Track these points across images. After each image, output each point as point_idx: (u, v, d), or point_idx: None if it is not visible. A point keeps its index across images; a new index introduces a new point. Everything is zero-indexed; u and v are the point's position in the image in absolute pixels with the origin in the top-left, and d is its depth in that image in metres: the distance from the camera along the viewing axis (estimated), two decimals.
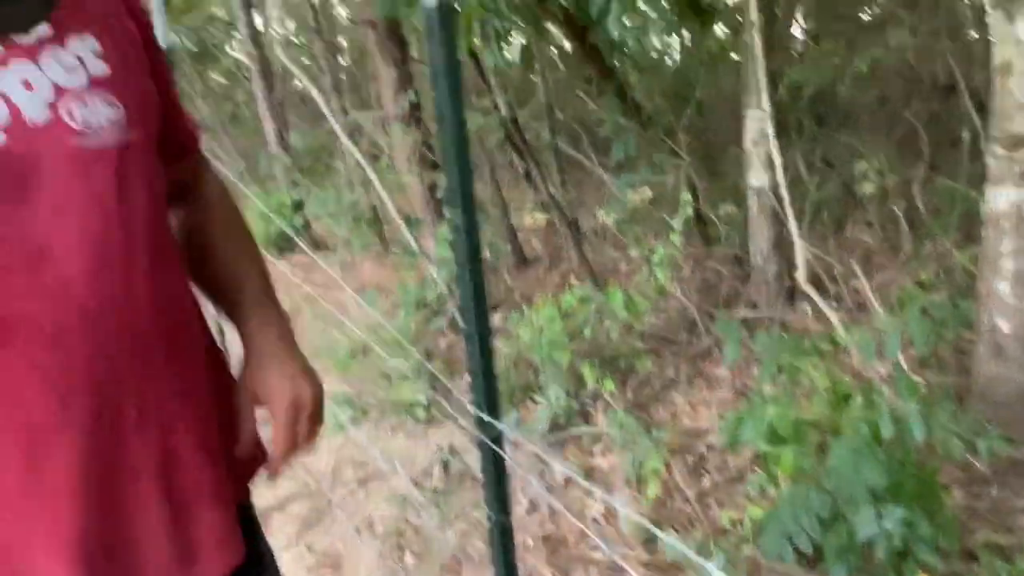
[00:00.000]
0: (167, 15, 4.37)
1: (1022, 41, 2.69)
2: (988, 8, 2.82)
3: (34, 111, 0.76)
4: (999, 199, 2.90)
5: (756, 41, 3.45)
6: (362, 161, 4.50)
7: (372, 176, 4.44)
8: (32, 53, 0.78)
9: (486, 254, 5.06)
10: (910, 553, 2.35)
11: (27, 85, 0.76)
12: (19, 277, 0.77)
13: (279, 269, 6.40)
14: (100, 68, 0.82)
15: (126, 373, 0.84)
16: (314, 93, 4.63)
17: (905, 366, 3.53)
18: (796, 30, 8.41)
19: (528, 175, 5.68)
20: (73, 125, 0.79)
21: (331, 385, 4.24)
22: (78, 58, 0.81)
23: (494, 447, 1.42)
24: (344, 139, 4.64)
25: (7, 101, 0.75)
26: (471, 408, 1.46)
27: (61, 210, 0.78)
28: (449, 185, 1.37)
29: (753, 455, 3.12)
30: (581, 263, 4.96)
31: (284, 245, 6.72)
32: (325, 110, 4.60)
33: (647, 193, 6.53)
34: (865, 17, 7.28)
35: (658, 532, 2.01)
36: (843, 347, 3.54)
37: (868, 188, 4.09)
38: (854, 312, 4.07)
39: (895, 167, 4.90)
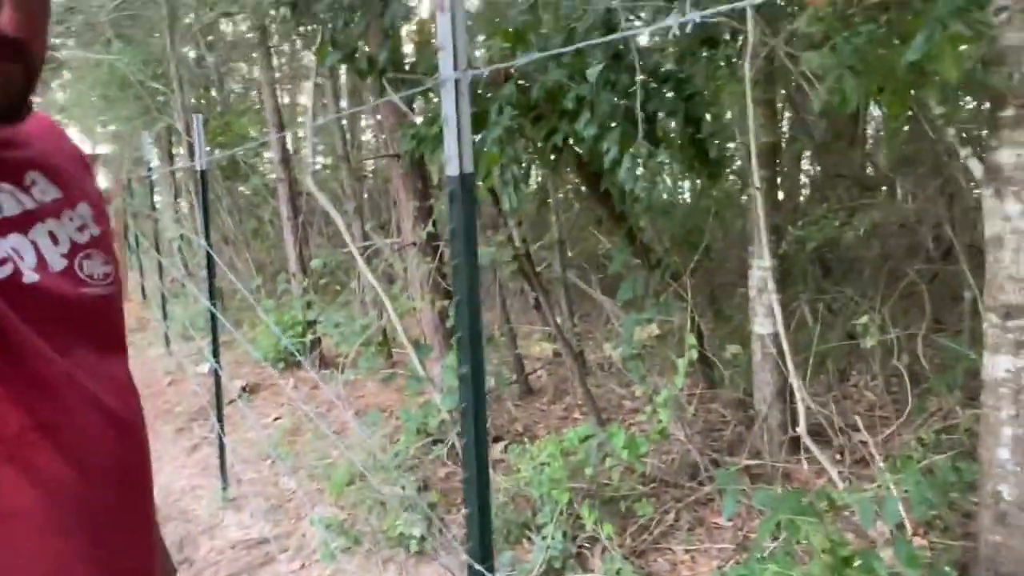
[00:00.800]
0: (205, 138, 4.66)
1: (1011, 218, 2.83)
2: (981, 184, 2.99)
3: (55, 260, 0.87)
4: (997, 367, 2.95)
5: (759, 199, 3.63)
6: (376, 284, 4.64)
7: (385, 299, 4.56)
8: (56, 212, 0.89)
9: (491, 383, 5.10)
10: None
11: (53, 238, 0.87)
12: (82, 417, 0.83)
13: (284, 386, 6.45)
14: (96, 229, 0.94)
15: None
16: (335, 217, 4.84)
17: (909, 528, 3.48)
18: (804, 185, 8.80)
19: (538, 305, 5.81)
20: (81, 275, 0.89)
21: (326, 510, 4.19)
22: (82, 219, 0.93)
23: None
24: (360, 262, 4.80)
25: (36, 249, 0.85)
26: (465, 556, 1.47)
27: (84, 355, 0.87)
28: (460, 330, 1.45)
29: None
30: (585, 397, 4.98)
31: (291, 361, 6.80)
32: (345, 234, 4.79)
33: (654, 330, 6.63)
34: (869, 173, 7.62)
35: None
36: (845, 504, 3.50)
37: (871, 342, 4.15)
38: (856, 467, 4.04)
39: (898, 321, 4.99)
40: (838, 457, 4.14)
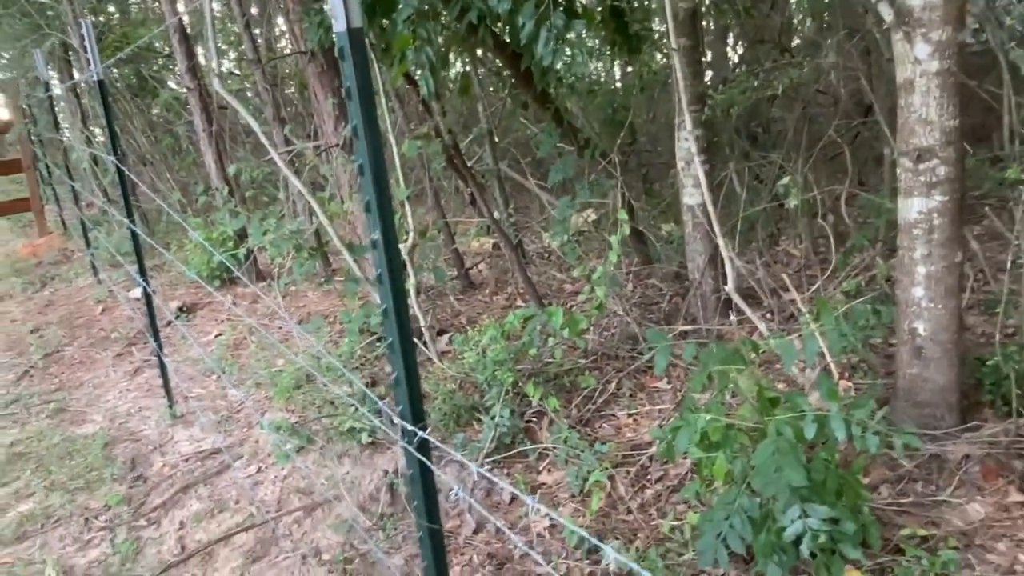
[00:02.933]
0: (100, 50, 4.36)
1: (920, 60, 2.87)
2: (892, 29, 3.00)
3: None
4: (911, 209, 3.06)
5: (678, 65, 3.58)
6: (303, 190, 4.51)
7: (313, 204, 4.45)
8: None
9: (430, 279, 5.10)
10: (837, 550, 2.44)
11: None
12: None
13: (222, 301, 6.34)
14: None
15: None
16: (253, 124, 4.63)
17: (835, 372, 3.67)
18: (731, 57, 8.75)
19: (473, 200, 5.76)
20: None
21: (276, 414, 4.21)
22: None
23: (419, 455, 1.45)
24: (284, 169, 4.64)
25: None
26: (395, 418, 1.49)
27: None
28: (367, 202, 1.41)
29: (692, 464, 3.20)
30: (526, 285, 5.03)
31: (228, 277, 6.66)
32: (264, 140, 4.60)
33: (591, 216, 6.67)
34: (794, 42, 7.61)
35: (598, 543, 2.05)
36: (775, 356, 3.67)
37: (792, 202, 4.25)
38: (786, 324, 4.21)
39: (823, 183, 5.11)
40: (769, 316, 4.30)
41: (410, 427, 1.46)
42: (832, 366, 3.66)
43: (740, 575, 2.59)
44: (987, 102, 4.80)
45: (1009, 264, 3.55)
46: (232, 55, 10.66)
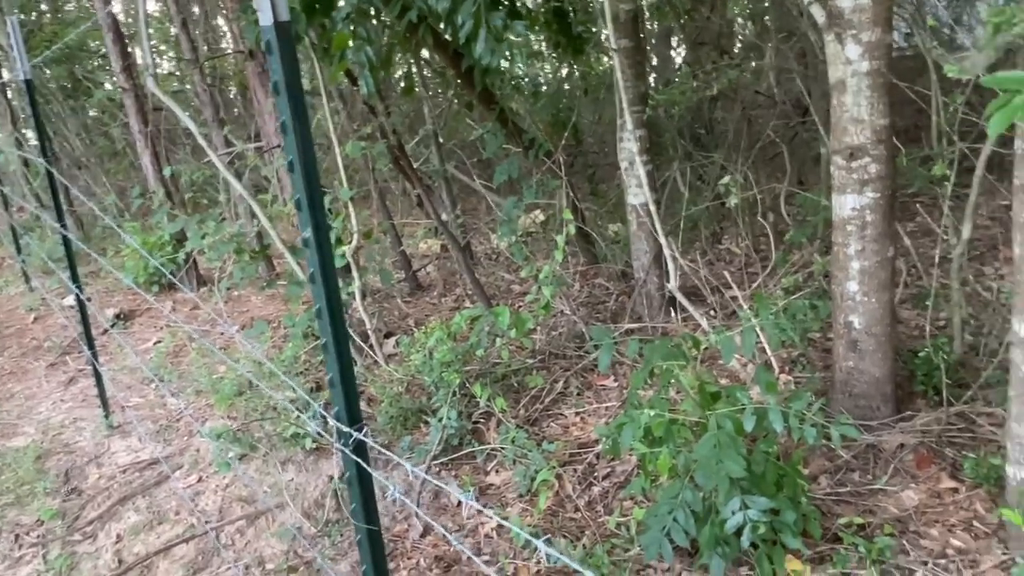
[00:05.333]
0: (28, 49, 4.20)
1: (851, 61, 2.95)
2: (823, 31, 3.07)
3: None
4: (844, 206, 3.14)
5: (618, 66, 3.61)
6: (243, 192, 4.41)
7: (254, 205, 4.35)
8: None
9: (377, 281, 5.04)
10: (778, 540, 2.49)
11: None
12: None
13: (161, 308, 6.16)
14: None
15: None
16: (190, 125, 4.51)
17: (776, 367, 3.75)
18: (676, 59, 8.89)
19: (420, 202, 5.72)
20: None
21: (217, 422, 4.11)
22: None
23: (355, 457, 1.42)
24: (223, 170, 4.53)
25: None
26: (331, 420, 1.46)
27: None
28: (298, 200, 1.38)
29: (637, 460, 3.23)
30: (474, 286, 5.01)
31: (166, 282, 6.48)
32: (202, 142, 4.49)
33: (539, 216, 6.69)
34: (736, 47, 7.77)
35: (537, 542, 2.04)
36: (719, 352, 3.72)
37: (733, 201, 4.33)
38: (728, 320, 4.29)
39: (763, 183, 5.22)
40: (712, 313, 4.37)
41: (346, 429, 1.43)
42: (773, 360, 3.74)
43: (685, 568, 2.62)
44: (918, 104, 4.97)
45: (937, 259, 3.68)
46: (171, 55, 10.40)
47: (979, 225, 5.05)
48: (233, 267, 4.43)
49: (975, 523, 2.69)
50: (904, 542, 2.63)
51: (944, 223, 3.40)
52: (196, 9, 9.51)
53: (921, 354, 3.38)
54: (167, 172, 5.62)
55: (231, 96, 9.88)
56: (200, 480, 3.74)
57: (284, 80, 1.33)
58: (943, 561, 2.53)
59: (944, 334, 3.62)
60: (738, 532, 2.36)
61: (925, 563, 2.52)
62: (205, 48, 8.94)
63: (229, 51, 7.29)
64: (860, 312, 3.19)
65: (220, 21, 10.02)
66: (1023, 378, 2.38)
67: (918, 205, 4.81)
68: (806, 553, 2.55)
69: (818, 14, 3.02)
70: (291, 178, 1.35)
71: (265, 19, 1.32)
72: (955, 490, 2.85)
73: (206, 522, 3.38)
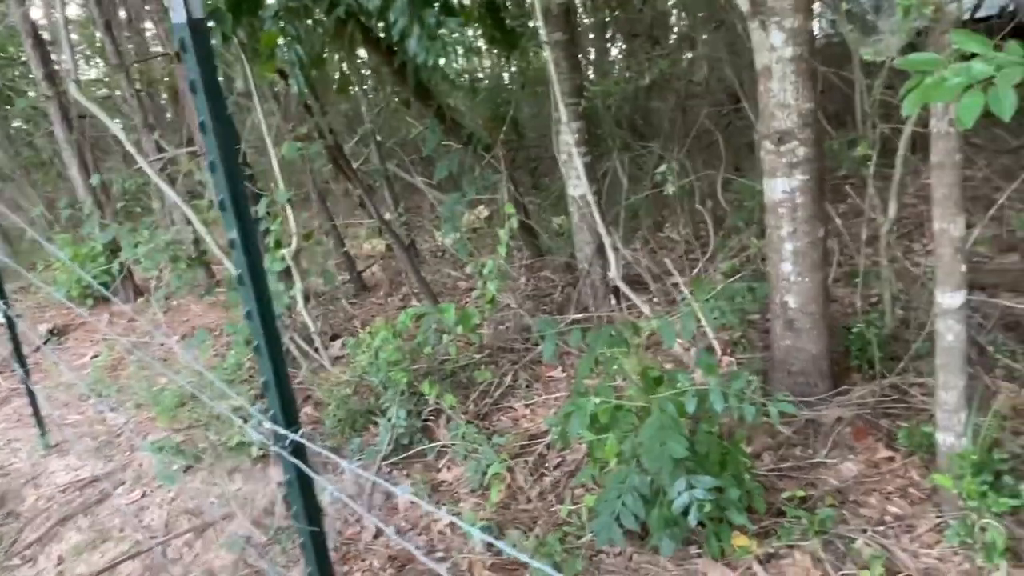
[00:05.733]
0: None
1: (775, 47, 3.03)
2: (748, 19, 3.14)
3: None
4: (775, 189, 3.22)
5: (550, 59, 3.64)
6: (176, 198, 4.30)
7: (188, 212, 4.24)
8: None
9: (321, 283, 4.98)
10: (724, 517, 2.55)
11: None
12: None
13: (97, 321, 5.97)
14: None
15: None
16: (117, 131, 4.37)
17: (718, 350, 3.83)
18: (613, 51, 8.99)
19: (363, 202, 5.66)
20: None
21: (160, 435, 4.01)
22: None
23: (293, 459, 1.41)
24: (155, 177, 4.41)
25: None
26: (267, 423, 1.44)
27: None
28: (221, 201, 1.36)
29: (587, 447, 3.26)
30: (420, 285, 4.99)
31: (101, 295, 6.28)
32: (131, 148, 4.36)
33: (484, 212, 6.69)
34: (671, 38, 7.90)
35: (487, 537, 2.06)
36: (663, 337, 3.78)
37: (671, 189, 4.40)
38: (671, 307, 4.35)
39: (700, 170, 5.32)
40: (655, 300, 4.44)
41: (282, 431, 1.41)
42: (715, 343, 3.81)
43: (636, 551, 2.66)
44: (845, 89, 5.13)
45: (866, 237, 3.80)
46: (98, 60, 10.05)
47: (906, 204, 5.24)
48: (170, 276, 4.31)
49: (910, 489, 2.79)
50: (844, 512, 2.72)
51: (871, 203, 3.52)
52: (123, 13, 9.23)
53: (855, 330, 3.49)
54: (95, 181, 5.45)
55: (162, 101, 9.61)
56: (144, 495, 3.64)
57: (201, 79, 1.31)
58: (881, 528, 2.62)
59: (876, 310, 3.75)
60: (685, 512, 2.40)
61: (864, 531, 2.60)
62: (133, 52, 8.67)
63: (156, 54, 7.08)
64: (795, 292, 3.28)
65: (149, 24, 9.73)
66: (947, 347, 2.48)
67: (848, 187, 4.95)
68: (752, 528, 2.62)
69: (742, 2, 3.08)
70: (213, 179, 1.33)
71: (178, 16, 1.29)
72: (891, 459, 2.96)
73: (152, 537, 3.30)
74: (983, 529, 2.36)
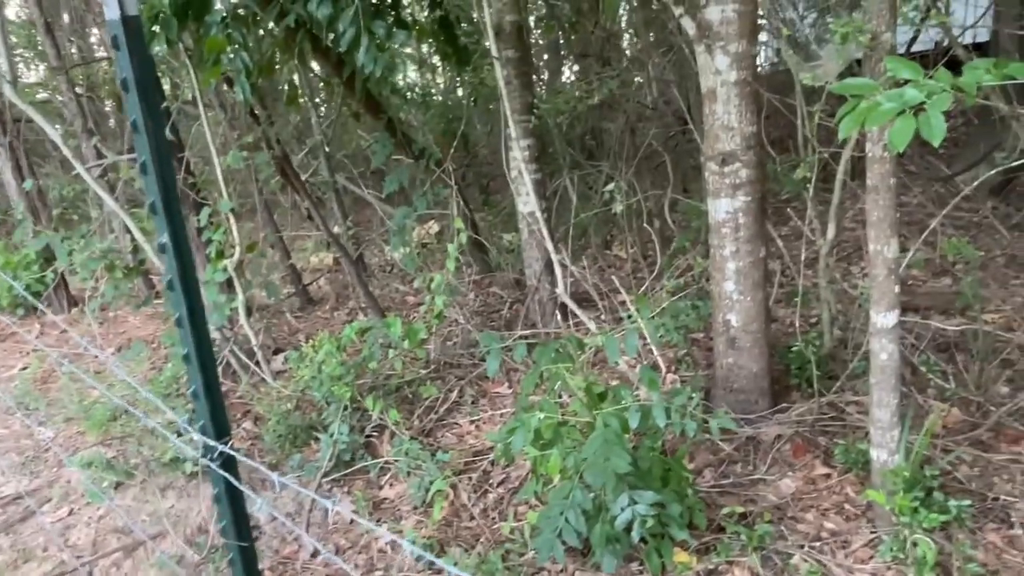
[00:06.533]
0: None
1: (720, 71, 3.09)
2: (694, 42, 3.21)
3: None
4: (719, 209, 3.28)
5: (500, 76, 3.65)
6: (114, 205, 4.17)
7: (126, 219, 4.12)
8: None
9: (264, 296, 4.87)
10: (666, 533, 2.55)
11: None
12: None
13: (28, 331, 5.74)
14: None
15: None
16: (54, 135, 4.23)
17: (663, 367, 3.87)
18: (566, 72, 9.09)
19: (310, 215, 5.57)
20: None
21: (89, 451, 3.86)
22: None
23: (223, 472, 1.36)
24: (93, 183, 4.27)
25: None
26: (195, 435, 1.39)
27: None
28: (151, 204, 1.31)
29: (531, 464, 3.25)
30: (367, 299, 4.93)
31: (32, 305, 6.04)
32: (68, 153, 4.21)
33: (434, 227, 6.66)
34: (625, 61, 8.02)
35: (427, 555, 2.02)
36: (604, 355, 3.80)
37: (619, 208, 4.46)
38: (617, 323, 4.39)
39: (648, 190, 5.39)
40: (602, 317, 4.47)
41: (212, 443, 1.36)
42: (660, 360, 3.85)
43: (578, 568, 2.65)
44: (788, 115, 5.28)
45: (807, 259, 3.90)
46: (39, 63, 9.75)
47: (845, 227, 5.40)
48: (106, 285, 4.17)
49: (846, 506, 2.85)
50: (782, 528, 2.75)
51: (811, 225, 3.61)
52: (66, 17, 8.98)
53: (794, 349, 3.57)
54: (27, 186, 5.25)
55: (106, 107, 9.35)
56: (71, 513, 3.49)
57: (135, 77, 1.26)
58: (818, 544, 2.66)
59: (815, 330, 3.84)
60: (628, 528, 2.40)
61: (802, 546, 2.64)
62: (76, 55, 8.43)
63: (98, 58, 6.90)
64: (737, 311, 3.33)
65: (95, 29, 9.49)
66: (882, 366, 2.55)
67: (790, 210, 5.09)
68: (693, 544, 2.63)
69: (689, 27, 3.15)
70: (145, 181, 1.28)
71: (111, 13, 1.25)
72: (828, 476, 3.02)
73: (78, 557, 3.16)
74: (915, 544, 2.41)
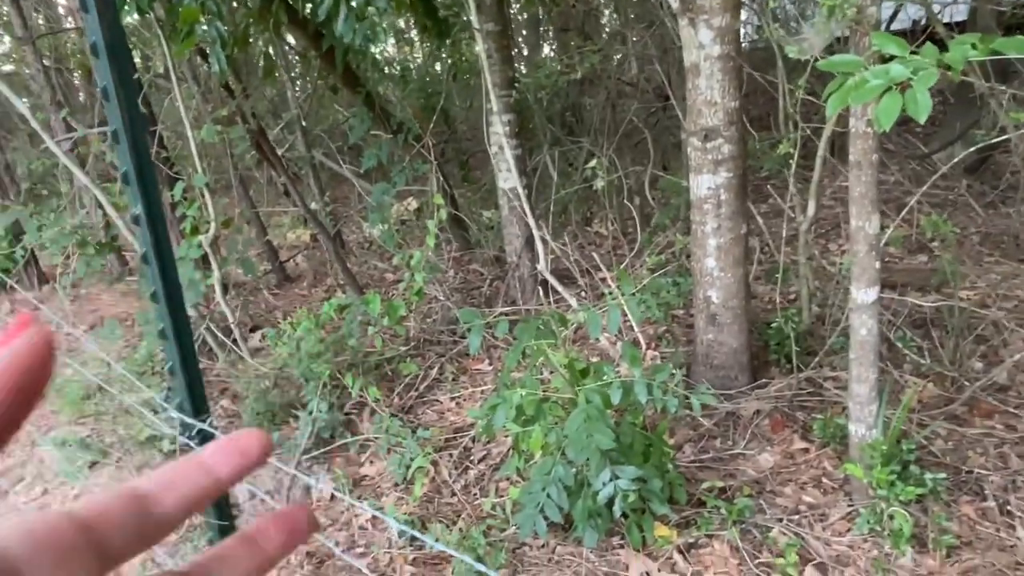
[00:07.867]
0: None
1: (704, 45, 3.07)
2: (678, 16, 3.18)
3: None
4: (701, 185, 3.27)
5: (482, 49, 3.60)
6: (86, 179, 4.07)
7: (99, 195, 4.02)
8: None
9: (240, 273, 4.80)
10: (647, 508, 2.57)
11: None
12: None
13: None
14: None
15: None
16: (21, 107, 4.10)
17: (643, 344, 3.87)
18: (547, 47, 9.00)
19: (287, 190, 5.49)
20: None
21: (63, 430, 3.80)
22: None
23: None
24: (63, 157, 4.16)
25: None
26: (173, 412, 1.36)
27: None
28: (124, 173, 1.26)
29: (513, 440, 3.25)
30: (346, 276, 4.88)
31: (3, 281, 5.92)
32: (36, 126, 4.10)
33: (413, 204, 6.59)
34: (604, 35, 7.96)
35: (408, 530, 2.01)
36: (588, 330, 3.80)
37: (600, 184, 4.43)
38: (598, 300, 4.38)
39: (629, 166, 5.37)
40: (583, 294, 4.46)
41: (190, 420, 1.33)
42: (640, 337, 3.85)
43: (559, 543, 2.66)
44: (772, 92, 5.27)
45: (787, 236, 3.91)
46: (1, 34, 9.45)
47: (824, 205, 5.43)
48: (76, 262, 4.08)
49: (824, 479, 2.88)
50: (761, 502, 2.78)
51: (791, 202, 3.62)
52: None
53: (774, 325, 3.59)
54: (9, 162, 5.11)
55: (74, 79, 9.12)
56: (45, 492, 3.44)
57: (104, 42, 1.21)
58: (796, 517, 2.69)
59: (794, 306, 3.86)
60: (609, 503, 2.41)
61: (780, 520, 2.67)
62: (43, 26, 8.19)
63: (67, 28, 6.71)
64: (718, 287, 3.34)
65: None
66: (861, 341, 2.56)
67: (770, 187, 5.10)
68: (673, 518, 2.65)
69: (672, 0, 3.11)
70: (117, 150, 1.24)
71: None
72: (806, 450, 3.05)
73: None
74: (891, 517, 2.45)
